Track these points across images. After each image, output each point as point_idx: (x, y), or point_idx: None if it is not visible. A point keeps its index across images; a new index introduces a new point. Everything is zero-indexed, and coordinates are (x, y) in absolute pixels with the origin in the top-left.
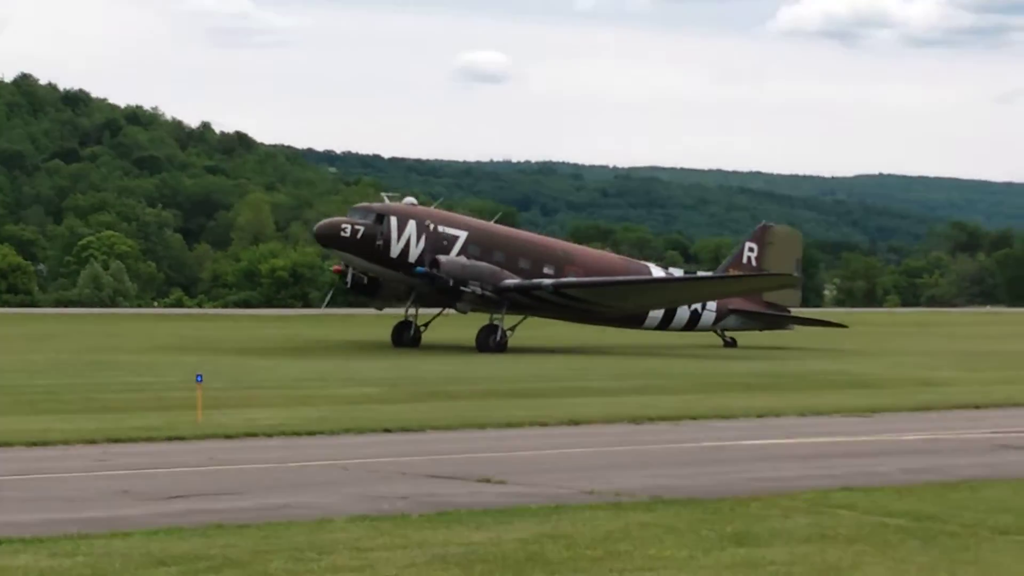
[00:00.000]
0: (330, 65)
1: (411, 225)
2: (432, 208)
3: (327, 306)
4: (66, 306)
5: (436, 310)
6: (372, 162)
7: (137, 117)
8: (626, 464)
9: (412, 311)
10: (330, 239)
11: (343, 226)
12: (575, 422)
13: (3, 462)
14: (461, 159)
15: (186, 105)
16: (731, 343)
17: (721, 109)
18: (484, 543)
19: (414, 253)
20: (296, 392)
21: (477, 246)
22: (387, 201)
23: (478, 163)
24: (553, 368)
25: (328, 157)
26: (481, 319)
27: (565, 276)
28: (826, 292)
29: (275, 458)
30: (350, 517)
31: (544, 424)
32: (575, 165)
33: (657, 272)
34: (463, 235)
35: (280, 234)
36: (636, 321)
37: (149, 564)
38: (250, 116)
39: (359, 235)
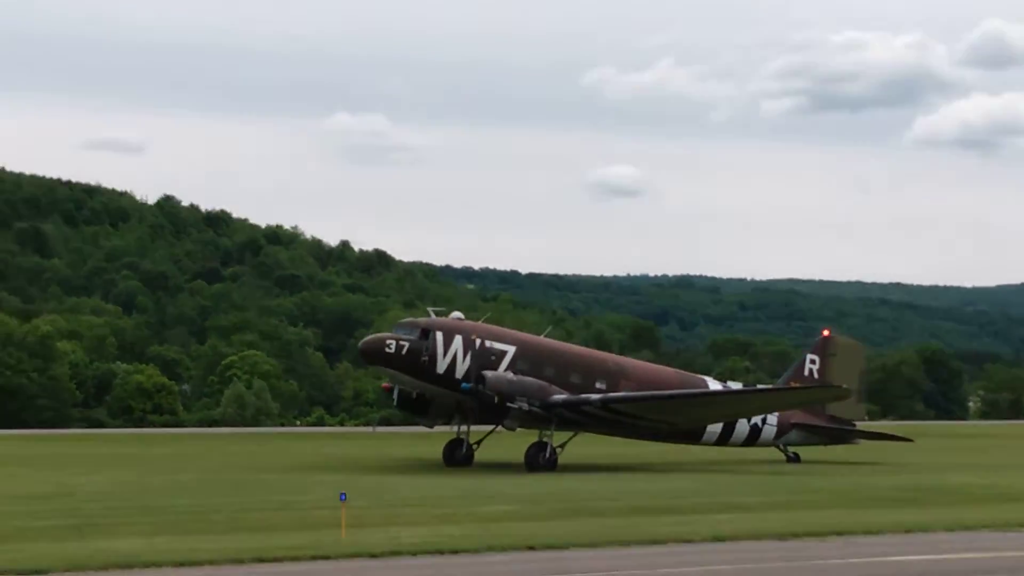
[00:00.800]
0: (466, 182)
1: (457, 340)
2: (480, 323)
3: (377, 426)
4: (210, 425)
5: (489, 427)
6: (510, 278)
7: (277, 236)
8: None
9: (464, 428)
10: (374, 356)
11: (388, 342)
12: (720, 538)
13: None
14: (599, 274)
15: (325, 224)
16: (794, 458)
17: (859, 220)
18: None
19: (460, 369)
20: (439, 510)
21: (526, 361)
22: (433, 316)
23: (615, 277)
24: (691, 485)
25: (466, 274)
26: (532, 436)
27: (619, 390)
28: (970, 404)
29: None
30: None
31: (689, 540)
32: (712, 278)
33: (714, 386)
34: (511, 350)
35: None
36: (693, 436)
37: None
38: (388, 233)
39: (404, 351)
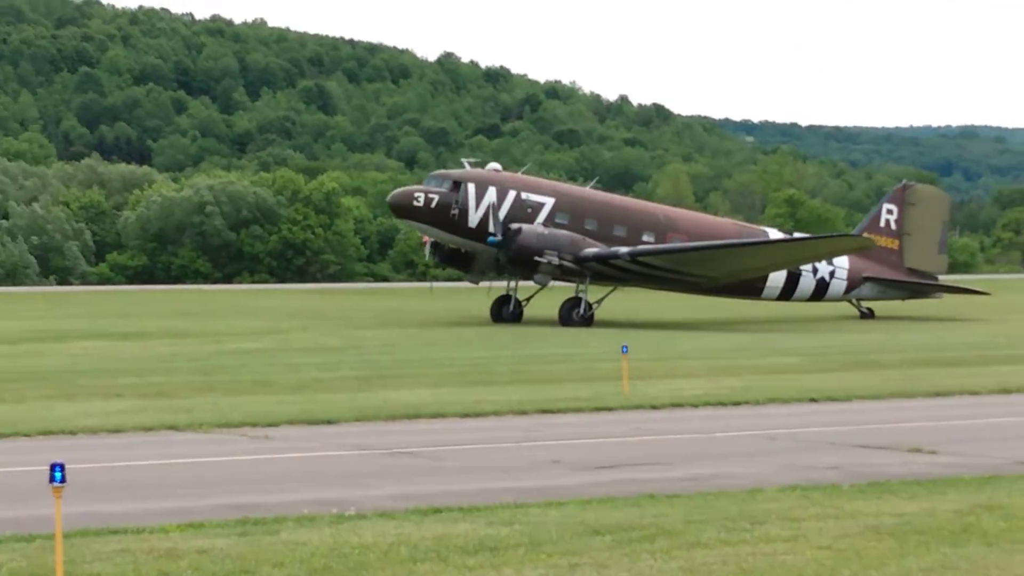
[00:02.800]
0: (747, 32)
1: (491, 192)
2: (518, 174)
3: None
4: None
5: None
6: (790, 130)
7: (556, 92)
8: None
9: (512, 284)
10: (403, 210)
11: (416, 195)
12: (1007, 391)
13: (440, 432)
14: (880, 125)
15: (604, 78)
16: (868, 314)
17: None
18: (918, 513)
19: (494, 222)
20: (720, 362)
21: (566, 214)
22: (467, 167)
23: (897, 129)
24: (981, 336)
25: (745, 127)
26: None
27: (667, 243)
28: None
29: (701, 428)
30: (780, 487)
31: (975, 393)
32: (999, 128)
33: (776, 237)
34: (550, 202)
35: (699, 204)
36: (752, 291)
37: (584, 533)
38: (667, 87)
39: (433, 204)
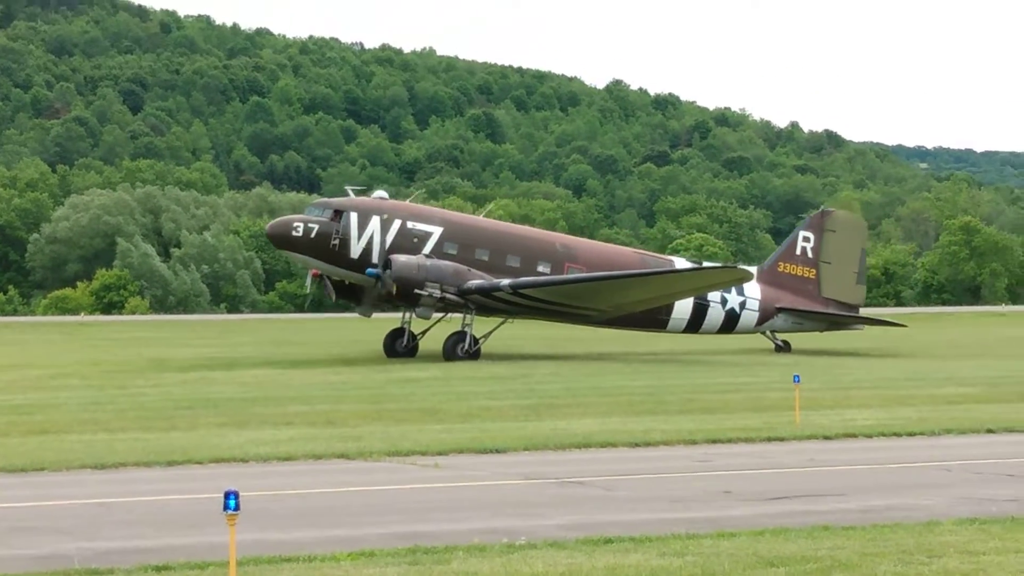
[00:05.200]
0: (919, 58)
1: (374, 221)
2: (405, 202)
3: (307, 310)
4: None
5: (439, 316)
6: (964, 156)
7: (726, 119)
8: None
9: (407, 317)
10: (281, 240)
11: (295, 224)
12: None
13: (610, 462)
14: None
15: (774, 104)
16: (784, 347)
17: None
18: None
19: (378, 253)
20: (893, 392)
21: (454, 243)
22: (351, 195)
23: None
24: None
25: (919, 153)
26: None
27: (564, 273)
28: None
29: (875, 459)
30: (957, 520)
31: None
32: None
33: (682, 267)
34: (437, 231)
35: (872, 232)
36: (657, 323)
37: (757, 565)
38: (838, 113)
39: (312, 234)
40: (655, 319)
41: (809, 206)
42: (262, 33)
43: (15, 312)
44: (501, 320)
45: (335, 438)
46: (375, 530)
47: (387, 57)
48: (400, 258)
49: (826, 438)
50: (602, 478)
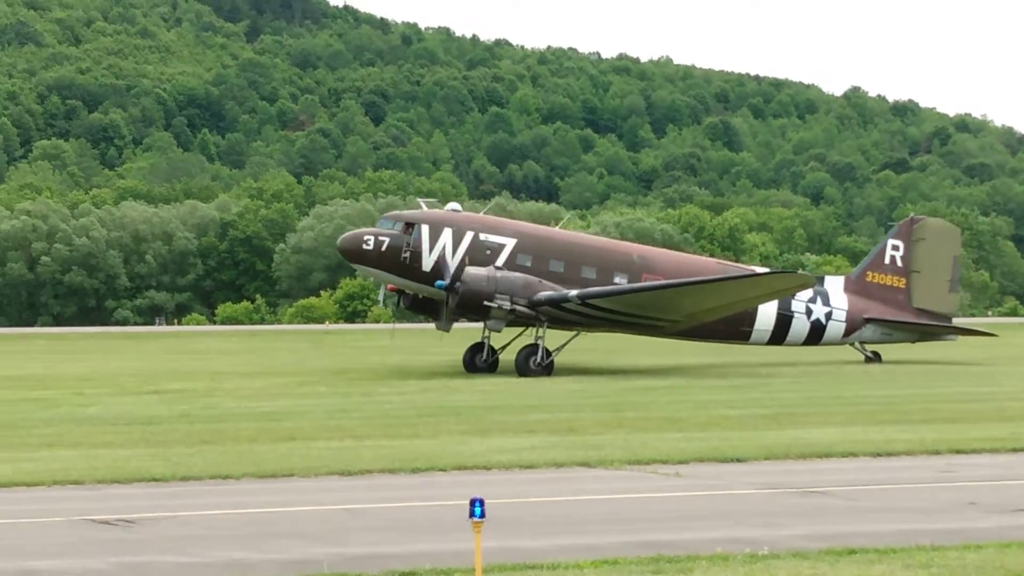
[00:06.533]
0: None
1: (446, 234)
2: (479, 214)
3: (394, 331)
4: None
5: (519, 329)
6: None
7: (966, 125)
8: None
9: (486, 331)
10: (352, 254)
11: (366, 238)
12: None
13: (851, 472)
14: None
15: (1017, 110)
16: (874, 358)
17: None
18: None
19: (451, 265)
20: None
21: (528, 255)
22: (424, 207)
23: None
24: None
25: None
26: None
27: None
28: None
29: None
30: None
31: None
32: None
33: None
34: (511, 243)
35: None
36: (740, 335)
37: None
38: None
39: (383, 247)
40: (737, 331)
41: None
42: (501, 44)
43: (262, 321)
44: (574, 333)
45: (576, 446)
46: (617, 538)
47: (624, 66)
48: (471, 270)
49: None
50: (844, 488)
